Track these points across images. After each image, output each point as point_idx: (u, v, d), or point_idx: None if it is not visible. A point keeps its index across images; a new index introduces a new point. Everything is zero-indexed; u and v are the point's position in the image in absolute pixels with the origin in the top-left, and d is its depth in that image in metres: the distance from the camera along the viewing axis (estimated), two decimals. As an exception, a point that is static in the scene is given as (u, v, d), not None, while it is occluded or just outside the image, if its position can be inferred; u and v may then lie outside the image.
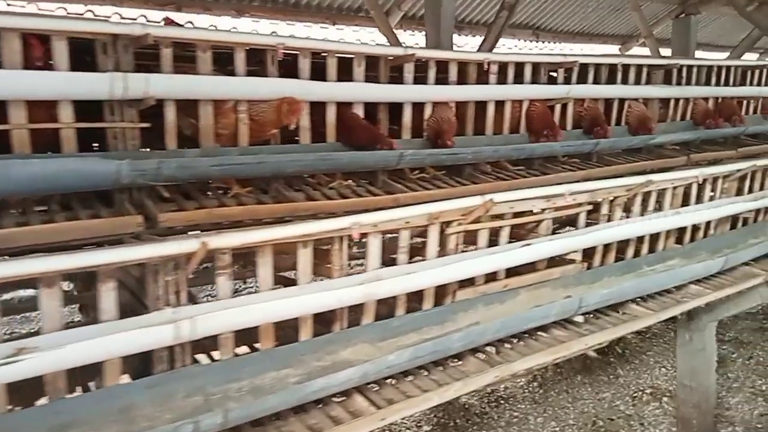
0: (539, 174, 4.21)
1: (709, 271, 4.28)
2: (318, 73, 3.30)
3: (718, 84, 5.76)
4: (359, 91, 3.41)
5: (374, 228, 2.75)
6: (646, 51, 13.08)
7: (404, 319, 3.02)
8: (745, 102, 6.26)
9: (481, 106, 4.07)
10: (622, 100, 4.95)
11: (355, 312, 2.89)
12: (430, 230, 3.03)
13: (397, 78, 3.65)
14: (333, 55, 3.35)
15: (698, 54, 13.68)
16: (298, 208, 2.88)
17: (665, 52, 12.53)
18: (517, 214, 3.49)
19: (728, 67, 5.82)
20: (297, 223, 2.56)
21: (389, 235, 2.98)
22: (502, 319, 3.09)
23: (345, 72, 3.45)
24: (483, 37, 10.49)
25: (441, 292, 3.21)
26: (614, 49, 13.03)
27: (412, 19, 9.54)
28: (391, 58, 3.56)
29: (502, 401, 6.98)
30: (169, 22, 4.55)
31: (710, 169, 4.39)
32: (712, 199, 4.65)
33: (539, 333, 3.50)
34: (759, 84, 6.22)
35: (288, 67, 3.22)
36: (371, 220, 2.68)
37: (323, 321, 2.81)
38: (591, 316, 3.83)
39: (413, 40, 9.44)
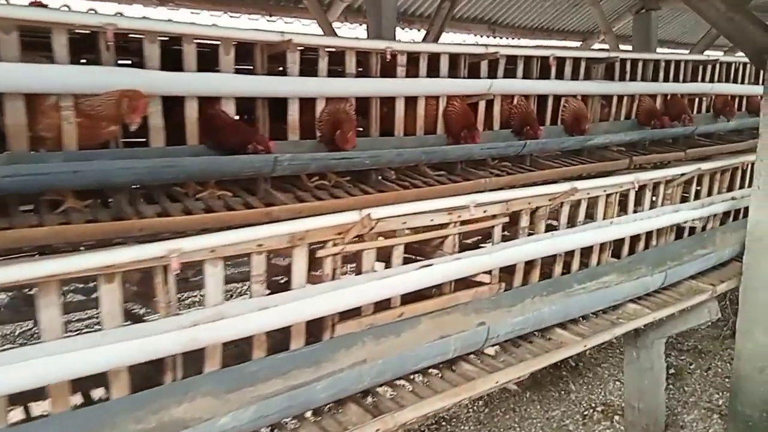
0: (460, 180, 3.71)
1: (646, 288, 3.81)
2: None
3: (666, 80, 5.32)
4: (225, 84, 2.85)
5: (212, 254, 2.19)
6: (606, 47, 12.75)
7: (265, 363, 2.47)
8: (697, 100, 5.85)
9: (390, 103, 3.55)
10: (558, 97, 4.48)
11: (196, 357, 2.33)
12: (295, 253, 2.48)
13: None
14: (190, 41, 2.79)
15: (660, 51, 13.41)
16: (123, 228, 2.30)
17: (626, 48, 12.20)
18: (427, 228, 2.99)
19: (677, 62, 5.38)
20: (91, 252, 1.98)
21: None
22: (381, 361, 2.55)
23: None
24: (419, 30, 10.11)
25: (317, 326, 2.67)
26: (575, 45, 12.66)
27: (357, 12, 9.01)
28: (268, 45, 3.00)
29: (443, 423, 6.47)
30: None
31: (647, 173, 3.92)
32: (653, 206, 4.19)
33: (445, 367, 2.99)
34: (712, 80, 5.81)
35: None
36: (201, 245, 2.12)
37: (152, 370, 2.25)
38: (509, 343, 3.34)
39: (356, 34, 8.90)
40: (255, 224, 2.47)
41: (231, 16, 8.17)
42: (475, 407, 6.76)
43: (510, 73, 4.12)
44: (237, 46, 2.98)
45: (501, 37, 11.09)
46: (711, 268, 4.60)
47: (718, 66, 5.80)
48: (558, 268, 3.65)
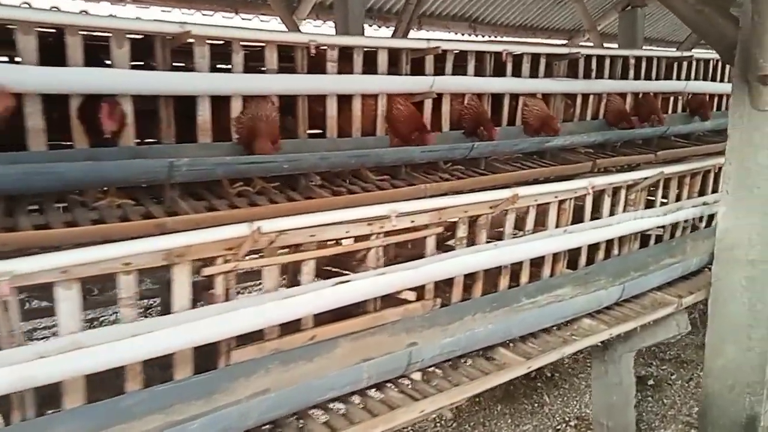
0: (403, 185, 3.42)
1: (600, 303, 3.52)
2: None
3: (637, 78, 5.02)
4: (115, 80, 2.55)
5: (63, 275, 1.89)
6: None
7: (142, 396, 2.17)
8: (672, 99, 5.55)
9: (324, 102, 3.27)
10: (516, 96, 4.19)
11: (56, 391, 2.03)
12: (175, 272, 2.18)
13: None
14: (75, 33, 2.49)
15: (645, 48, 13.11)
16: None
17: (612, 47, 11.91)
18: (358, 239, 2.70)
19: (649, 59, 5.09)
20: None
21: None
22: (274, 394, 2.25)
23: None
24: (388, 27, 9.80)
25: (210, 352, 2.37)
26: (560, 43, 12.36)
27: (330, 9, 8.71)
28: (168, 38, 2.70)
29: (407, 437, 6.18)
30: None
31: (603, 178, 3.62)
32: (614, 213, 3.89)
33: (367, 393, 2.69)
34: (688, 78, 5.51)
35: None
36: (45, 265, 1.83)
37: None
38: (448, 363, 3.05)
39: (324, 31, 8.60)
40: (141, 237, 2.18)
41: (203, 14, 7.88)
42: (442, 422, 6.46)
43: (461, 70, 3.83)
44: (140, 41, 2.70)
45: (482, 35, 10.79)
46: (680, 278, 4.30)
47: (694, 63, 5.51)
48: (504, 281, 3.35)
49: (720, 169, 4.52)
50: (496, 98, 4.12)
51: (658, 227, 4.07)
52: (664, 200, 4.46)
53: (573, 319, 3.61)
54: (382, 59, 3.44)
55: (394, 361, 2.55)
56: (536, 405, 6.80)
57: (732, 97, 3.85)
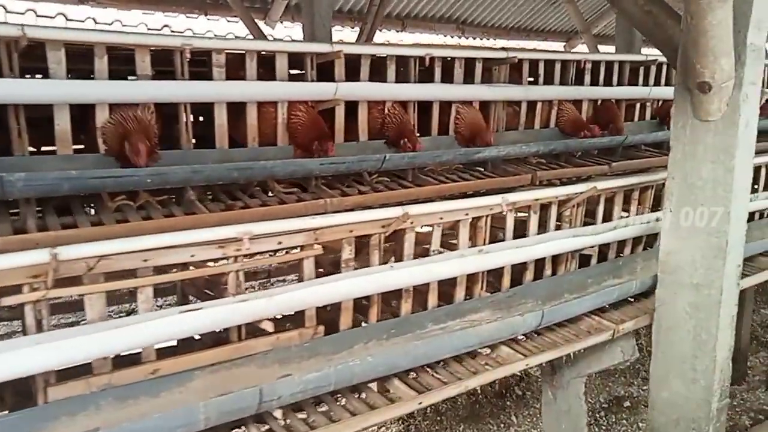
0: (309, 199, 3.18)
1: (515, 329, 3.21)
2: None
3: (595, 83, 4.69)
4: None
5: None
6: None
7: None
8: (639, 105, 5.21)
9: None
10: (447, 104, 3.91)
11: None
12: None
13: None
14: None
15: (645, 52, 12.64)
16: None
17: (609, 50, 11.49)
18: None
19: (609, 63, 4.76)
20: None
21: None
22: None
23: None
24: (380, 29, 9.53)
25: (25, 388, 2.15)
26: (558, 46, 11.98)
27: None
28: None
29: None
30: None
31: (519, 194, 3.31)
32: (543, 231, 3.58)
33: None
34: (657, 83, 5.16)
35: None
36: None
37: None
38: (339, 395, 2.80)
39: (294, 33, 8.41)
40: None
41: (165, 15, 7.74)
42: (398, 441, 6.19)
43: (380, 75, 3.58)
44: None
45: (472, 37, 10.48)
46: (628, 301, 3.96)
47: (663, 68, 5.16)
48: (407, 306, 3.07)
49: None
50: (427, 106, 3.86)
51: (591, 247, 3.74)
52: (627, 213, 4.14)
53: (493, 345, 3.32)
54: (282, 64, 3.19)
55: (240, 400, 2.29)
56: (503, 426, 6.48)
57: (674, 106, 3.52)
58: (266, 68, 3.26)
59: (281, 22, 8.34)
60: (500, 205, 3.17)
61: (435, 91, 3.69)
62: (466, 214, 3.13)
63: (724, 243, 3.40)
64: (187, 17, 7.87)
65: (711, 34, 3.04)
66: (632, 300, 4.02)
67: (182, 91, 2.88)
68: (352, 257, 2.78)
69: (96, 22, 8.28)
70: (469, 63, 3.95)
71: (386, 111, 3.64)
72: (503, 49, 4.07)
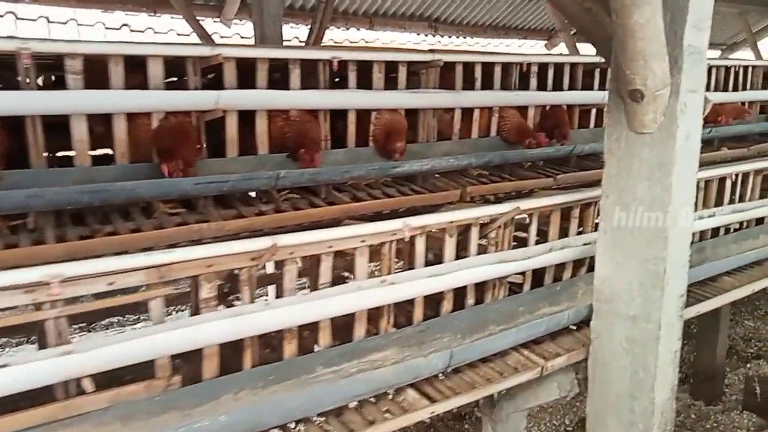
0: (198, 221, 2.82)
1: (417, 372, 2.83)
2: None
3: (542, 88, 4.30)
4: None
5: None
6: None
7: None
8: (595, 111, 4.81)
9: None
10: (367, 112, 3.53)
11: None
12: None
13: None
14: None
15: None
16: None
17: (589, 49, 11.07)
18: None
19: (558, 66, 4.36)
20: None
21: None
22: None
23: None
24: (347, 28, 9.14)
25: None
26: (538, 45, 11.55)
27: (266, 8, 8.07)
28: None
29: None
30: None
31: (422, 218, 2.92)
32: (463, 256, 3.19)
33: None
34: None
35: None
36: None
37: None
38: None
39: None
40: None
41: (103, 12, 7.38)
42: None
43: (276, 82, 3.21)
44: None
45: (446, 36, 10.07)
46: (561, 331, 3.57)
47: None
48: (291, 347, 2.69)
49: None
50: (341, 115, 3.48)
51: (521, 273, 3.35)
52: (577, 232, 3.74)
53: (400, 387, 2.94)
54: (155, 70, 2.81)
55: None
56: (460, 451, 6.11)
57: (608, 116, 3.13)
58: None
59: (239, 21, 7.96)
60: (398, 232, 2.78)
61: (345, 98, 3.30)
62: (362, 241, 2.74)
63: (661, 270, 3.00)
64: (126, 14, 7.51)
65: (639, 34, 2.64)
66: (574, 327, 3.63)
67: (26, 102, 2.50)
68: (214, 296, 2.39)
69: (49, 21, 7.94)
70: (391, 67, 3.56)
71: (289, 120, 3.26)
72: (430, 51, 3.67)
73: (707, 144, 5.64)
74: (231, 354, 2.58)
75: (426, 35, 9.98)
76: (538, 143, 3.99)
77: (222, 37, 8.12)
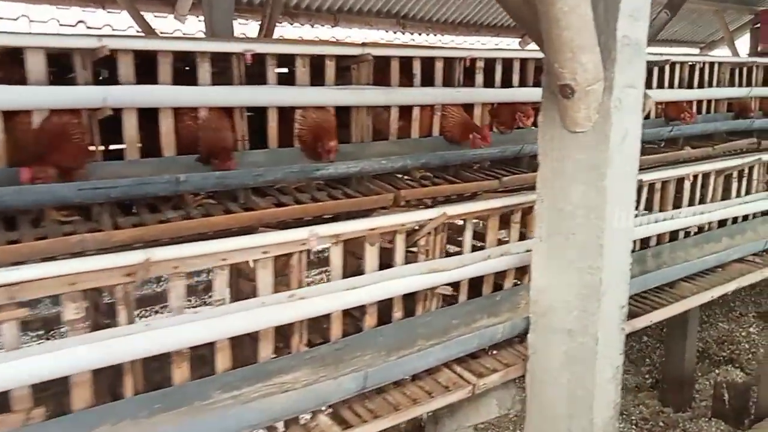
0: (89, 230, 2.54)
1: (326, 397, 2.57)
2: None
3: (490, 84, 4.05)
4: None
5: None
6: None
7: None
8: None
9: None
10: (292, 110, 3.27)
11: None
12: None
13: None
14: None
15: None
16: None
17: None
18: None
19: (507, 61, 4.11)
20: None
21: None
22: None
23: None
24: (312, 26, 8.86)
25: None
26: (514, 42, 11.33)
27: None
28: None
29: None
30: None
31: (329, 226, 2.66)
32: (387, 266, 2.94)
33: None
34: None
35: None
36: None
37: None
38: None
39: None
40: None
41: (58, 8, 7.06)
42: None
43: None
44: None
45: (415, 33, 9.81)
46: (506, 341, 3.33)
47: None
48: (181, 372, 2.42)
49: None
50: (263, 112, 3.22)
51: (449, 284, 3.09)
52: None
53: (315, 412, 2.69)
54: (36, 63, 2.53)
55: None
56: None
57: (541, 114, 2.88)
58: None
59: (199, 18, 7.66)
60: (305, 242, 2.51)
61: (260, 95, 3.03)
62: (264, 253, 2.48)
63: (597, 281, 2.76)
64: (83, 11, 7.20)
65: (564, 24, 2.40)
66: (517, 339, 3.38)
67: None
68: (80, 317, 2.12)
69: (-1, 18, 7.61)
70: (318, 61, 3.30)
71: (200, 120, 2.99)
72: (363, 44, 3.42)
73: (671, 143, 5.45)
74: (111, 380, 2.31)
75: (395, 32, 9.74)
76: (483, 139, 3.73)
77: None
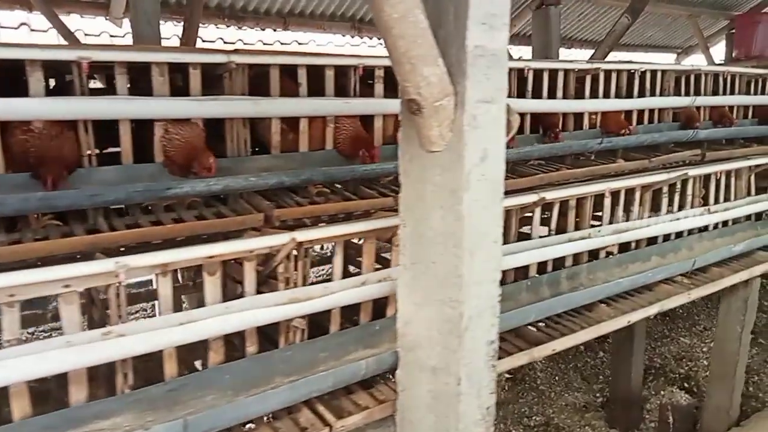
0: None
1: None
2: None
3: (392, 94, 3.78)
4: None
5: None
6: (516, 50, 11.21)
7: None
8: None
9: None
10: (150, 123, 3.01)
11: None
12: None
13: None
14: None
15: (566, 52, 11.86)
16: None
17: (526, 51, 10.65)
18: None
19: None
20: None
21: None
22: None
23: None
24: (262, 29, 8.61)
25: None
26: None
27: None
28: None
29: None
30: None
31: (151, 256, 2.38)
32: (239, 296, 2.68)
33: None
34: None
35: None
36: None
37: None
38: None
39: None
40: None
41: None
42: None
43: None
44: None
45: (373, 38, 9.57)
46: (381, 377, 3.07)
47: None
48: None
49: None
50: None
51: (298, 318, 2.82)
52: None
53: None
54: None
55: None
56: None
57: (401, 130, 2.62)
58: None
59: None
60: (114, 273, 2.24)
61: (99, 107, 2.77)
62: (66, 287, 2.21)
63: (457, 315, 2.50)
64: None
65: (396, 32, 2.14)
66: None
67: None
68: None
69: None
70: (177, 69, 3.05)
71: (34, 132, 2.72)
72: (234, 51, 3.15)
73: (609, 154, 5.20)
74: None
75: (352, 36, 9.51)
76: (371, 156, 3.48)
77: (111, 36, 7.56)
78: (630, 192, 4.27)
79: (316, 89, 3.54)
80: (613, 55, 12.46)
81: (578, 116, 4.97)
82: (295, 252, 2.75)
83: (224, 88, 3.22)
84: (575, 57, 11.90)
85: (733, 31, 12.38)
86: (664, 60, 14.38)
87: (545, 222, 3.88)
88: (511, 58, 4.29)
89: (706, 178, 4.90)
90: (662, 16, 12.31)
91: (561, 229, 3.91)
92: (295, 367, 2.82)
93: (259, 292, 2.79)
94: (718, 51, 13.30)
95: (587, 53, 11.45)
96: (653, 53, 14.10)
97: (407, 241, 2.66)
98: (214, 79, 3.22)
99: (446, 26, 2.34)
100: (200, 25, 7.34)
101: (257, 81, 3.36)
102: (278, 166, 3.42)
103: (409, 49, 2.18)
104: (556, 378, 7.50)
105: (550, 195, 3.59)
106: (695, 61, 14.04)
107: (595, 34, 12.11)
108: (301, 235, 2.67)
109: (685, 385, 7.14)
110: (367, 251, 3.03)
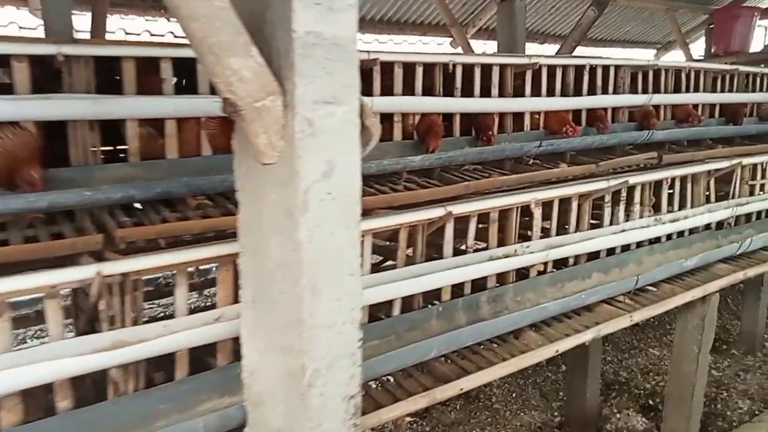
0: None
1: None
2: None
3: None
4: None
5: None
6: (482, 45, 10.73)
7: None
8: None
9: None
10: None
11: None
12: None
13: None
14: None
15: (532, 46, 11.36)
16: None
17: (491, 45, 10.18)
18: None
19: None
20: None
21: None
22: None
23: None
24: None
25: None
26: (445, 42, 10.58)
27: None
28: None
29: None
30: None
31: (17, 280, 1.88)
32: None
33: None
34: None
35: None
36: None
37: None
38: None
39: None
40: None
41: None
42: None
43: None
44: None
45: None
46: None
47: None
48: None
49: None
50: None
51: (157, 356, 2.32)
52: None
53: None
54: None
55: None
56: None
57: (235, 138, 2.12)
58: None
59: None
60: None
61: None
62: None
63: (299, 368, 2.00)
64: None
65: (185, 11, 1.64)
66: None
67: None
68: None
69: None
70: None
71: None
72: (71, 42, 2.64)
73: (557, 158, 4.71)
74: None
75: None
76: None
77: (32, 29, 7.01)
78: (565, 202, 3.78)
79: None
80: (588, 51, 12.01)
81: (518, 116, 4.48)
82: (118, 285, 2.25)
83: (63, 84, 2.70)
84: (547, 52, 11.43)
85: (712, 26, 11.95)
86: (644, 56, 13.93)
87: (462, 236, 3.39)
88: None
89: (658, 184, 4.42)
90: (639, 11, 11.87)
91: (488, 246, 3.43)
92: (123, 424, 2.32)
93: (83, 333, 2.29)
94: (698, 47, 12.88)
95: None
96: (631, 49, 13.66)
97: (248, 273, 2.16)
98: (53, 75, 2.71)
99: (274, 6, 1.84)
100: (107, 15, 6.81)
101: (112, 76, 2.85)
102: (137, 175, 2.90)
103: (207, 35, 1.68)
104: (514, 395, 7.02)
105: (459, 208, 3.09)
106: (675, 57, 13.61)
107: (568, 28, 11.63)
108: (110, 267, 2.16)
109: (650, 402, 6.67)
110: (222, 280, 2.53)
